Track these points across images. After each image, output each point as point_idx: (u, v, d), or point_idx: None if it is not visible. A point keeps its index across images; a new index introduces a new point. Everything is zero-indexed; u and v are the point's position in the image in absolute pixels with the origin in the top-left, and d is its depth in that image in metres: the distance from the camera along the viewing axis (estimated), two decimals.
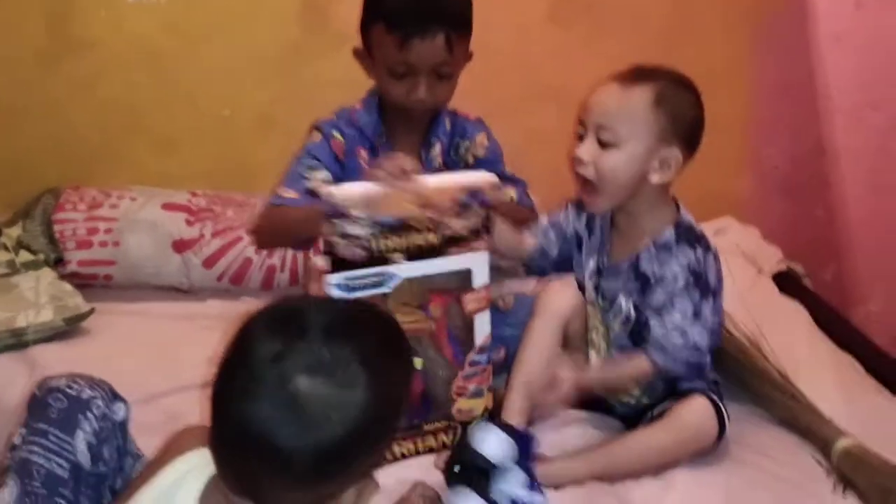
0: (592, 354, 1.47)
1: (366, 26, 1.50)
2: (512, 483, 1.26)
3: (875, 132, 2.17)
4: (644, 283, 1.36)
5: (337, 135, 1.55)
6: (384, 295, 1.29)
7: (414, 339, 1.33)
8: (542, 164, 1.87)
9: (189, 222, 1.92)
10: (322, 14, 2.00)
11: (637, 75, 1.33)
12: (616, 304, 1.41)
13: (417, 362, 1.35)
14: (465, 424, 1.40)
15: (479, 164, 1.60)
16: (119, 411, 1.08)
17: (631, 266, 1.38)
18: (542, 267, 1.55)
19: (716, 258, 1.36)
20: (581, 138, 1.36)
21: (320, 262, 1.30)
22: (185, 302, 1.87)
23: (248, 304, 1.86)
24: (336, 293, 1.25)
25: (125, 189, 1.98)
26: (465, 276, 1.35)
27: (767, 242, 2.06)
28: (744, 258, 1.92)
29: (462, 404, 1.40)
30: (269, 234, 1.58)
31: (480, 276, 1.36)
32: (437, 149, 1.59)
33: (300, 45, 2.02)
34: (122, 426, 1.09)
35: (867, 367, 1.60)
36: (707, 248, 1.36)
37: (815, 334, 1.67)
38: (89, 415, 1.04)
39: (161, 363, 1.59)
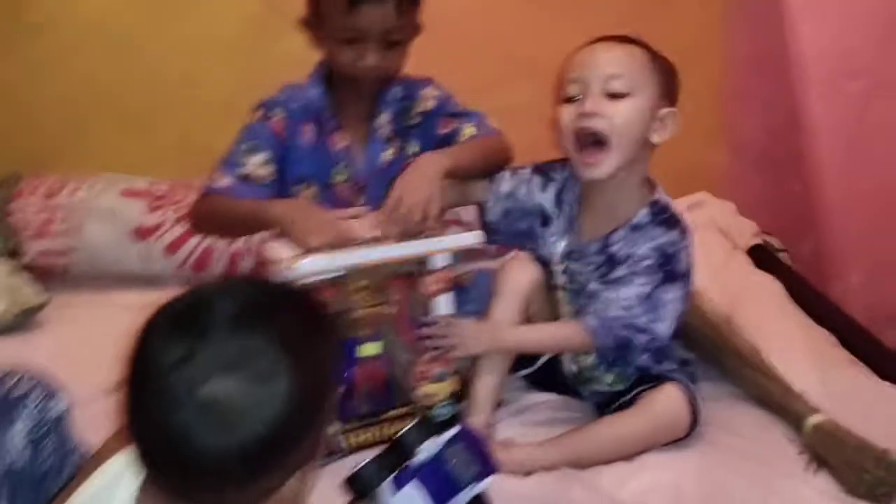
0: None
1: None
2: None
3: (853, 102, 2.12)
4: (612, 266, 1.33)
5: (279, 112, 1.51)
6: (342, 277, 1.24)
7: (375, 324, 1.30)
8: (517, 141, 1.82)
9: (150, 209, 1.87)
10: None
11: (621, 38, 1.33)
12: (586, 290, 1.37)
13: (377, 346, 1.31)
14: (429, 409, 1.36)
15: (429, 116, 1.55)
16: (57, 406, 1.04)
17: (601, 248, 1.34)
18: (496, 232, 1.49)
19: (690, 244, 1.33)
20: (572, 100, 1.31)
21: (278, 249, 1.26)
22: (146, 291, 1.81)
23: None
24: None
25: (85, 176, 1.92)
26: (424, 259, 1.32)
27: (743, 217, 2.01)
28: (719, 233, 1.89)
29: (426, 388, 1.36)
30: (206, 223, 1.54)
31: (441, 258, 1.33)
32: (383, 118, 1.54)
33: (265, 21, 1.96)
34: (61, 421, 1.04)
35: (843, 341, 1.56)
36: (683, 231, 1.32)
37: (788, 309, 1.64)
38: (24, 411, 1.00)
39: (118, 355, 1.53)
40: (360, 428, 1.33)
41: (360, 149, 1.55)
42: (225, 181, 1.47)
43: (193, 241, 1.84)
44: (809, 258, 2.23)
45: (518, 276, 1.40)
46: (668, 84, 1.32)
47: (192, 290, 0.79)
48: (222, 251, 1.84)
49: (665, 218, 1.31)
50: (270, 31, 1.95)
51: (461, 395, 1.39)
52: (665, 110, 1.31)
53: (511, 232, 1.48)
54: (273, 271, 1.24)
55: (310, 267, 1.21)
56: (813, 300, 1.69)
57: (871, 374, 1.46)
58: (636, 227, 1.31)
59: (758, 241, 1.93)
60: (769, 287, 1.70)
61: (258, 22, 1.95)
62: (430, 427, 0.93)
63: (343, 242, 1.27)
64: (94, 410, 1.17)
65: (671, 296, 1.28)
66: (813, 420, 1.28)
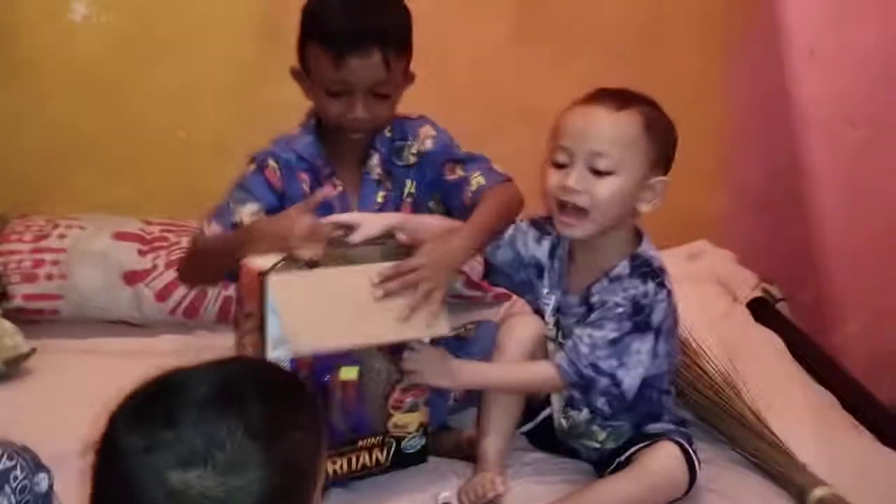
0: (554, 396, 1.41)
1: (303, 45, 1.44)
2: None
3: (851, 148, 2.12)
4: (590, 314, 1.32)
5: (272, 164, 1.49)
6: None
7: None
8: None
9: (141, 252, 1.84)
10: (280, 34, 1.90)
11: (621, 100, 1.29)
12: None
13: (354, 371, 1.29)
14: (400, 440, 1.35)
15: (427, 157, 1.53)
16: (42, 482, 1.00)
17: (582, 299, 1.34)
18: (496, 277, 1.49)
19: (669, 297, 1.30)
20: (559, 166, 1.29)
21: (259, 261, 1.25)
22: (136, 337, 1.79)
23: (203, 339, 1.79)
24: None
25: (74, 218, 1.89)
26: None
27: (742, 267, 1.99)
28: (718, 285, 1.86)
29: (398, 418, 1.34)
30: (192, 269, 1.52)
31: None
32: (375, 159, 1.52)
33: (257, 65, 1.94)
34: (46, 499, 1.00)
35: (845, 403, 1.54)
36: (661, 284, 1.29)
37: (790, 367, 1.61)
38: (7, 488, 0.96)
39: (105, 409, 1.50)
40: (331, 457, 1.28)
41: (354, 193, 1.54)
42: (215, 228, 1.45)
43: (184, 287, 1.80)
44: (809, 305, 2.22)
45: (521, 330, 1.38)
46: (662, 153, 1.30)
47: (162, 375, 0.77)
48: (213, 297, 1.81)
49: (644, 271, 1.29)
50: (263, 75, 1.93)
51: (468, 455, 1.38)
52: (655, 180, 1.29)
53: (513, 280, 1.46)
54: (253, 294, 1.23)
55: (310, 350, 1.21)
56: (814, 358, 1.66)
57: (874, 441, 1.43)
58: (615, 278, 1.30)
59: (758, 293, 1.90)
60: (769, 343, 1.68)
61: (251, 66, 1.93)
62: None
63: (319, 239, 1.28)
64: (77, 467, 1.13)
65: (639, 347, 1.26)
66: (818, 493, 1.25)
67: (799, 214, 2.20)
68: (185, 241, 1.86)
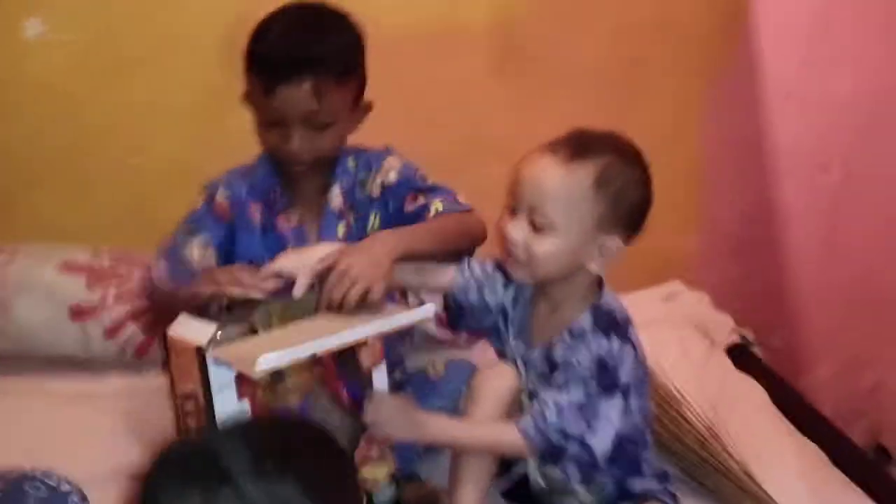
0: None
1: (245, 72, 1.37)
2: None
3: (825, 193, 2.11)
4: (554, 372, 1.23)
5: (221, 195, 1.44)
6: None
7: (304, 390, 1.19)
8: (490, 220, 1.75)
9: (90, 285, 1.72)
10: None
11: (576, 150, 1.18)
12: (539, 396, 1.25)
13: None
14: (371, 496, 1.26)
15: (391, 189, 1.45)
16: None
17: (544, 354, 1.25)
18: (465, 321, 1.39)
19: (635, 350, 1.22)
20: (513, 212, 1.21)
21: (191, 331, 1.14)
22: (82, 377, 1.67)
23: (154, 380, 1.67)
24: (218, 372, 1.10)
25: (18, 246, 1.77)
26: None
27: (718, 310, 1.94)
28: (695, 329, 1.81)
29: (367, 472, 1.25)
30: (158, 323, 1.38)
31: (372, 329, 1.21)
32: (336, 191, 1.45)
33: (220, 89, 1.82)
34: None
35: (830, 455, 1.48)
36: (625, 337, 1.21)
37: (775, 418, 1.55)
38: None
39: (51, 456, 1.37)
40: None
41: (314, 226, 1.47)
42: (161, 268, 1.39)
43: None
44: (781, 349, 2.20)
45: (497, 381, 1.29)
46: (617, 209, 1.18)
47: (199, 438, 0.76)
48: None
49: (607, 324, 1.21)
50: (227, 99, 1.82)
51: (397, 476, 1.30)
52: (606, 239, 1.19)
53: (481, 324, 1.37)
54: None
55: (272, 364, 1.09)
56: (798, 408, 1.61)
57: (863, 496, 1.37)
58: (577, 334, 1.21)
59: (735, 338, 1.85)
60: (752, 391, 1.62)
61: (214, 90, 1.84)
62: None
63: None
64: None
65: (608, 409, 1.18)
66: None
67: (772, 258, 2.18)
68: (137, 274, 1.75)
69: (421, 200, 1.42)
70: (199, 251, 1.38)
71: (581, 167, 1.16)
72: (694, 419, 1.44)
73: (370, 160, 1.47)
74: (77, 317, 1.69)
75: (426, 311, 1.27)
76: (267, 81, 1.30)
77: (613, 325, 1.20)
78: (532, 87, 1.99)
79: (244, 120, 1.66)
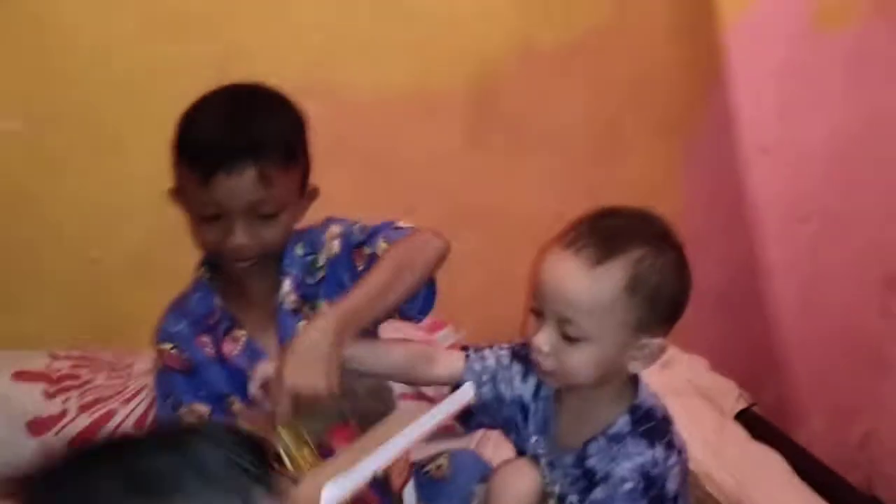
0: None
1: (176, 166, 1.23)
2: None
3: (804, 245, 2.10)
4: (591, 481, 1.10)
5: (167, 348, 1.28)
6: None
7: None
8: (468, 291, 1.66)
9: (48, 394, 1.56)
10: None
11: (601, 248, 1.05)
12: (567, 501, 1.14)
13: None
14: None
15: (338, 261, 1.30)
16: None
17: (577, 460, 1.12)
18: (477, 417, 1.24)
19: (680, 456, 1.10)
20: (537, 315, 1.09)
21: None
22: None
23: None
24: None
25: None
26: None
27: (718, 374, 1.88)
28: (701, 398, 1.73)
29: None
30: None
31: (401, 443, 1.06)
32: (287, 286, 1.29)
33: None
34: None
35: None
36: (670, 444, 1.09)
37: (799, 488, 1.48)
38: None
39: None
40: None
41: (270, 333, 1.29)
42: None
43: (104, 432, 1.53)
44: (772, 404, 2.15)
45: (517, 484, 1.17)
46: (656, 308, 1.06)
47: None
48: None
49: (648, 428, 1.09)
50: None
51: None
52: (647, 341, 1.07)
53: (495, 419, 1.24)
54: None
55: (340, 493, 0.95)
56: (820, 475, 1.54)
57: None
58: (614, 438, 1.09)
59: (742, 404, 1.78)
60: (771, 461, 1.55)
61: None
62: None
63: None
64: None
65: None
66: None
67: (757, 313, 2.15)
68: (100, 378, 1.61)
69: (367, 251, 1.27)
70: (189, 417, 1.24)
71: (613, 269, 1.03)
72: (722, 497, 1.35)
73: (314, 239, 1.32)
74: (36, 431, 1.53)
75: (466, 393, 1.12)
76: (203, 171, 1.16)
77: (655, 427, 1.09)
78: (510, 152, 1.94)
79: None
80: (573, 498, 1.12)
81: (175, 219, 1.71)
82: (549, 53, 1.89)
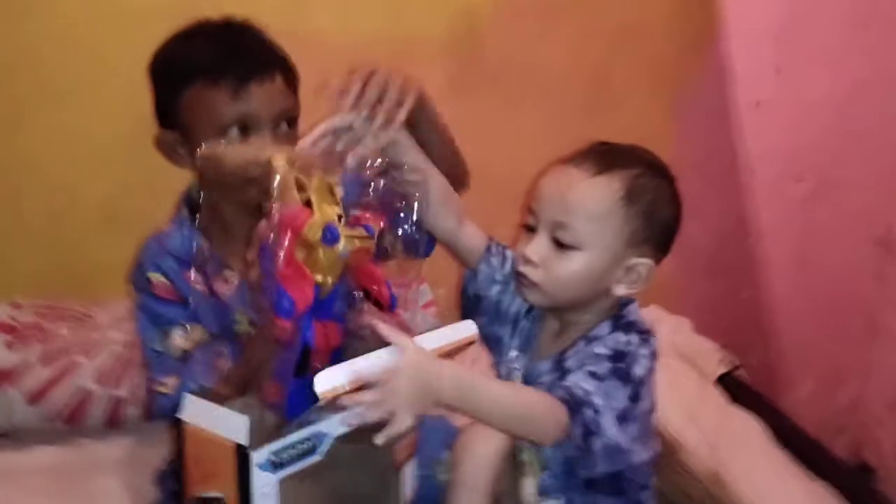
0: (526, 483, 1.16)
1: (173, 98, 1.20)
2: None
3: (798, 205, 2.03)
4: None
5: (156, 277, 1.22)
6: None
7: None
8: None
9: (9, 344, 1.52)
10: None
11: (603, 162, 1.08)
12: None
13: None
14: None
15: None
16: None
17: (554, 365, 1.11)
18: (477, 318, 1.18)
19: (652, 358, 1.09)
20: (529, 229, 1.09)
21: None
22: (3, 451, 1.47)
23: (87, 451, 1.48)
24: (261, 476, 0.91)
25: None
26: None
27: (701, 336, 1.83)
28: (682, 360, 1.69)
29: None
30: None
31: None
32: None
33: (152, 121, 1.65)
34: None
35: (842, 491, 1.37)
36: (645, 340, 1.09)
37: (778, 457, 1.43)
38: None
39: None
40: None
41: None
42: (171, 381, 1.17)
43: (66, 386, 1.50)
44: (757, 368, 2.12)
45: (483, 447, 1.13)
46: (650, 226, 1.08)
47: None
48: (101, 399, 1.50)
49: (627, 327, 1.09)
50: None
51: None
52: (636, 261, 1.08)
53: (489, 329, 1.19)
54: None
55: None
56: (800, 443, 1.49)
57: None
58: (592, 339, 1.09)
59: (724, 367, 1.73)
60: (750, 428, 1.50)
61: (145, 122, 1.64)
62: None
63: None
64: None
65: (617, 394, 1.03)
66: None
67: (747, 274, 2.09)
68: (64, 330, 1.56)
69: None
70: (185, 341, 1.19)
71: (610, 180, 1.06)
72: (696, 466, 1.31)
73: None
74: None
75: (469, 330, 1.02)
76: (236, 83, 1.15)
77: (634, 327, 1.09)
78: (493, 102, 1.86)
79: None
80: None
81: (141, 167, 1.66)
82: None
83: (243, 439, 0.89)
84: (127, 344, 1.54)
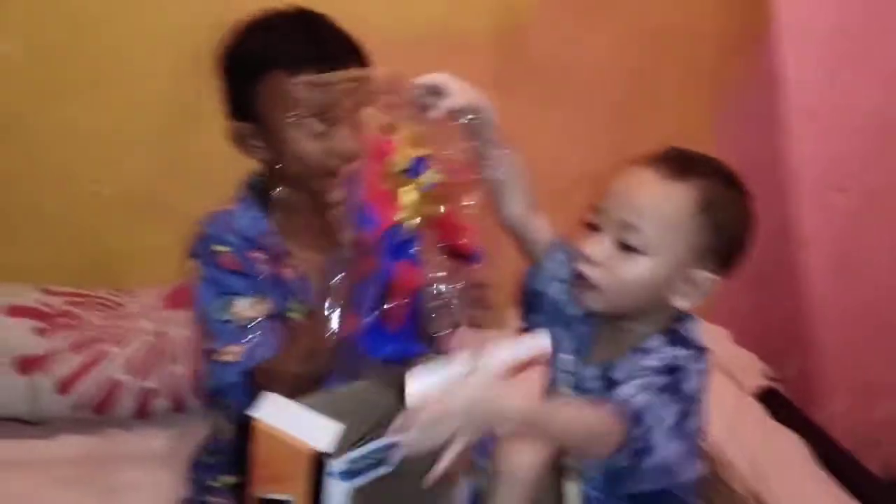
0: (571, 488, 1.13)
1: (249, 89, 1.18)
2: None
3: (842, 215, 1.98)
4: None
5: (221, 249, 1.20)
6: None
7: None
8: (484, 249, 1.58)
9: (40, 331, 1.50)
10: None
11: (679, 168, 1.04)
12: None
13: None
14: None
15: None
16: None
17: (600, 373, 1.09)
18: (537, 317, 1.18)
19: (703, 375, 1.05)
20: (593, 228, 1.06)
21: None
22: (32, 440, 1.46)
23: (116, 441, 1.47)
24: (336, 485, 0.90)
25: None
26: None
27: (740, 347, 1.79)
28: (721, 373, 1.64)
29: None
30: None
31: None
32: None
33: (193, 107, 1.61)
34: None
35: None
36: (698, 356, 1.06)
37: (819, 477, 1.40)
38: None
39: None
40: None
41: (318, 278, 1.22)
42: (234, 350, 1.15)
43: (95, 375, 1.47)
44: (797, 378, 2.08)
45: (523, 458, 1.10)
46: (716, 243, 1.05)
47: None
48: (131, 389, 1.48)
49: (679, 341, 1.06)
50: (200, 117, 1.58)
51: None
52: (700, 274, 1.05)
53: (544, 323, 1.16)
54: None
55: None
56: (841, 461, 1.45)
57: None
58: (644, 351, 1.06)
59: (764, 381, 1.69)
60: (790, 445, 1.46)
61: (185, 107, 1.62)
62: None
63: None
64: None
65: (669, 413, 1.00)
66: None
67: (786, 284, 2.04)
68: (95, 318, 1.54)
69: None
70: (251, 309, 1.17)
71: (688, 187, 1.03)
72: (738, 486, 1.27)
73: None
74: (24, 369, 1.47)
75: (543, 344, 1.00)
76: (317, 73, 1.14)
77: (687, 340, 1.05)
78: (535, 98, 1.81)
79: (213, 142, 1.44)
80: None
81: (174, 151, 1.64)
82: None
83: (326, 446, 0.88)
84: (158, 334, 1.53)
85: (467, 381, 0.88)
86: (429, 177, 0.94)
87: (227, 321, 1.16)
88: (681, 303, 1.06)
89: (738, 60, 1.88)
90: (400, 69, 1.06)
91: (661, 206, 1.02)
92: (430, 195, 0.95)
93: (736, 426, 1.46)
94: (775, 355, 1.99)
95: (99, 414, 1.48)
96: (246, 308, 1.16)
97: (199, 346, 1.22)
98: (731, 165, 1.93)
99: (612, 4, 1.78)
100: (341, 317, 0.97)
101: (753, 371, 1.70)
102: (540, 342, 0.99)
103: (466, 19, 1.71)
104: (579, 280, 1.07)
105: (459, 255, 1.02)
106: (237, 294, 1.17)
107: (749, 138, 1.94)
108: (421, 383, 0.85)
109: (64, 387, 1.47)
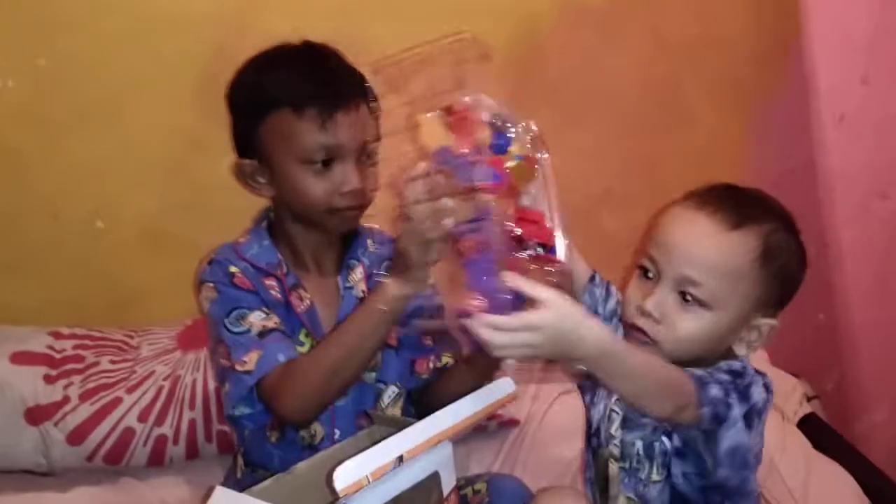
0: (612, 466, 1.10)
1: (254, 126, 1.19)
2: None
3: (883, 224, 1.90)
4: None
5: (233, 269, 1.21)
6: None
7: None
8: None
9: (49, 379, 1.44)
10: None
11: (737, 213, 1.00)
12: (642, 459, 1.07)
13: None
14: None
15: None
16: None
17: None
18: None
19: (767, 391, 1.03)
20: (645, 274, 1.03)
21: None
22: (42, 492, 1.39)
23: (130, 491, 1.41)
24: None
25: None
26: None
27: (780, 370, 1.71)
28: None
29: None
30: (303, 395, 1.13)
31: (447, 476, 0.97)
32: (358, 273, 1.27)
33: (198, 137, 1.56)
34: None
35: None
36: (760, 374, 1.03)
37: None
38: None
39: None
40: None
41: (329, 311, 1.24)
42: (252, 356, 1.14)
43: (107, 424, 1.41)
44: (834, 392, 2.00)
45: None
46: (781, 286, 1.02)
47: None
48: (142, 436, 1.42)
49: (731, 373, 1.01)
50: (205, 149, 1.53)
51: None
52: (761, 321, 1.02)
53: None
54: None
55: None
56: (889, 493, 1.37)
57: None
58: (701, 379, 0.99)
59: (806, 408, 1.61)
60: (837, 479, 1.38)
61: (190, 138, 1.55)
62: None
63: None
64: None
65: (737, 406, 0.97)
66: None
67: (824, 295, 1.96)
68: (106, 361, 1.48)
69: None
70: (265, 321, 1.16)
71: (749, 235, 1.00)
72: None
73: (385, 239, 1.31)
74: (34, 419, 1.41)
75: (506, 388, 0.99)
76: (323, 113, 1.14)
77: (740, 371, 1.01)
78: (553, 116, 1.73)
79: (223, 174, 1.39)
80: (663, 438, 1.04)
81: (187, 186, 1.58)
82: (600, 9, 1.68)
83: None
84: (170, 378, 1.47)
85: (559, 301, 0.86)
86: (517, 149, 0.96)
87: (242, 332, 1.15)
88: (742, 350, 1.03)
89: (771, 70, 1.80)
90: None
91: (724, 260, 0.99)
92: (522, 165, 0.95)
93: (781, 461, 1.38)
94: (810, 369, 1.92)
95: (112, 464, 1.43)
96: (260, 318, 1.16)
97: (217, 366, 1.22)
98: (766, 175, 1.87)
99: (633, 18, 1.70)
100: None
101: (795, 398, 1.62)
102: (505, 386, 0.99)
103: (483, 35, 1.63)
104: (635, 332, 1.03)
105: (541, 245, 0.98)
106: (251, 308, 1.17)
107: (786, 148, 1.87)
108: (349, 475, 0.85)
109: (75, 437, 1.41)
